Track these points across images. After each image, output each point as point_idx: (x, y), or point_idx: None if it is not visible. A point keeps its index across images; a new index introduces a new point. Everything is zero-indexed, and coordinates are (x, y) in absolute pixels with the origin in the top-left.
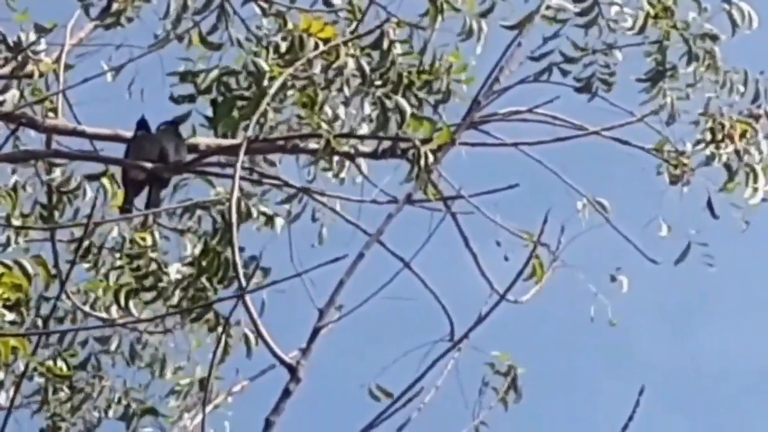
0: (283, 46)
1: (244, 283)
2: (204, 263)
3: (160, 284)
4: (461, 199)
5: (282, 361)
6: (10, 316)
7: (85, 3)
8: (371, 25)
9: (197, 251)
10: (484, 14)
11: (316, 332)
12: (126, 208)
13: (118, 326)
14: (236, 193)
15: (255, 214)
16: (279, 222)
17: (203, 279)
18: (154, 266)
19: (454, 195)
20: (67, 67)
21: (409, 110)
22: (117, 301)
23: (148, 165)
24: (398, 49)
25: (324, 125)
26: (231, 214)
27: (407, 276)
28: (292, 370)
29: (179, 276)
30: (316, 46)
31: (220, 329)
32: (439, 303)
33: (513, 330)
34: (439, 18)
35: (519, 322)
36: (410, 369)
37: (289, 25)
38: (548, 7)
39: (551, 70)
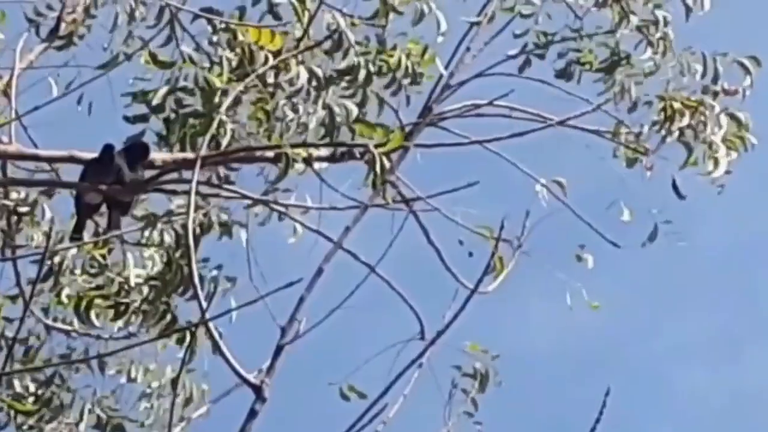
0: (234, 61)
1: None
2: (168, 277)
3: (124, 299)
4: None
5: (247, 382)
6: None
7: (35, 23)
8: (322, 27)
9: (160, 265)
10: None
11: (279, 350)
12: (76, 237)
13: (88, 337)
14: (192, 216)
15: (216, 225)
16: (242, 235)
17: (167, 293)
18: (116, 282)
19: (414, 197)
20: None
21: (355, 111)
22: (78, 315)
23: (103, 187)
24: (357, 48)
25: (277, 135)
26: (189, 237)
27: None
28: (257, 390)
29: (142, 288)
30: (267, 59)
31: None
32: (407, 304)
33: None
34: (389, 16)
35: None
36: (383, 369)
37: (240, 39)
38: None
39: (530, 61)
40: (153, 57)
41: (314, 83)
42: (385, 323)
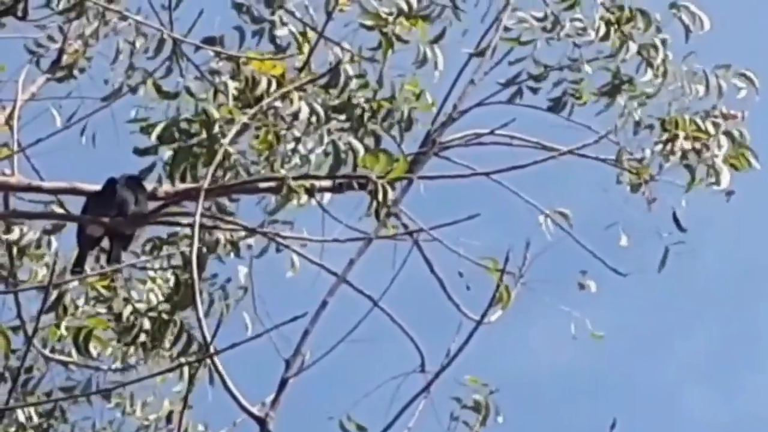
0: (237, 89)
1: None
2: (177, 297)
3: (134, 322)
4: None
5: (251, 415)
6: None
7: (36, 55)
8: (323, 60)
9: (169, 287)
10: (435, 41)
11: (283, 383)
12: (77, 270)
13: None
14: (195, 250)
15: (223, 241)
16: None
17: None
18: (126, 305)
19: (417, 229)
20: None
21: (362, 150)
22: (77, 346)
23: (106, 220)
24: (354, 83)
25: (279, 166)
26: (192, 270)
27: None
28: (262, 423)
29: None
30: (269, 85)
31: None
32: (408, 337)
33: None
34: (391, 51)
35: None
36: (384, 401)
37: (243, 68)
38: (507, 29)
39: (522, 92)
40: (157, 87)
41: (314, 118)
42: (388, 355)
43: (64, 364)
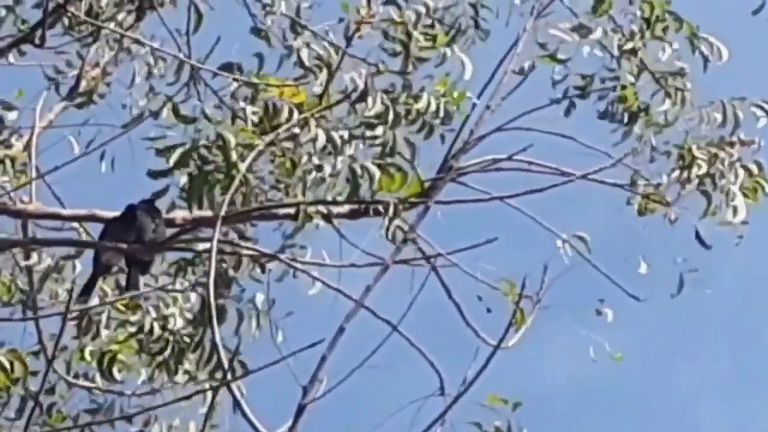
0: (257, 115)
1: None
2: (204, 315)
3: (162, 336)
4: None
5: None
6: None
7: (54, 81)
8: (343, 86)
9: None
10: (452, 41)
11: (301, 410)
12: (82, 299)
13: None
14: (213, 277)
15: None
16: (260, 297)
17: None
18: (154, 321)
19: (434, 254)
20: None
21: (378, 174)
22: (101, 370)
23: (124, 246)
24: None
25: (298, 192)
26: (209, 296)
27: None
28: None
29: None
30: (290, 112)
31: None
32: (427, 360)
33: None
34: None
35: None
36: (404, 426)
37: (262, 93)
38: (542, 46)
39: (574, 104)
40: (176, 111)
41: (331, 145)
42: (406, 379)
43: (88, 389)
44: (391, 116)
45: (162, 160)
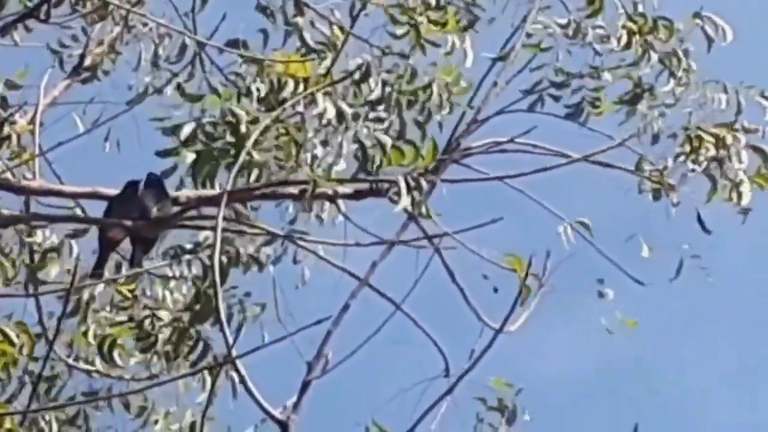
0: (263, 90)
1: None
2: (197, 308)
3: (153, 331)
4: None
5: (273, 418)
6: None
7: (58, 55)
8: (350, 61)
9: (189, 296)
10: (465, 29)
11: (305, 386)
12: (97, 273)
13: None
14: (218, 254)
15: (244, 257)
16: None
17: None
18: (146, 313)
19: (440, 233)
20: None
21: (390, 143)
22: (101, 353)
23: (128, 223)
24: (388, 76)
25: (306, 168)
26: (215, 274)
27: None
28: (284, 426)
29: (170, 320)
30: (296, 86)
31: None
32: (432, 341)
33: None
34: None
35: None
36: (408, 406)
37: (268, 70)
38: (529, 35)
39: (543, 99)
40: (181, 90)
41: (339, 119)
42: (409, 358)
43: (87, 372)
44: (393, 102)
45: (167, 139)
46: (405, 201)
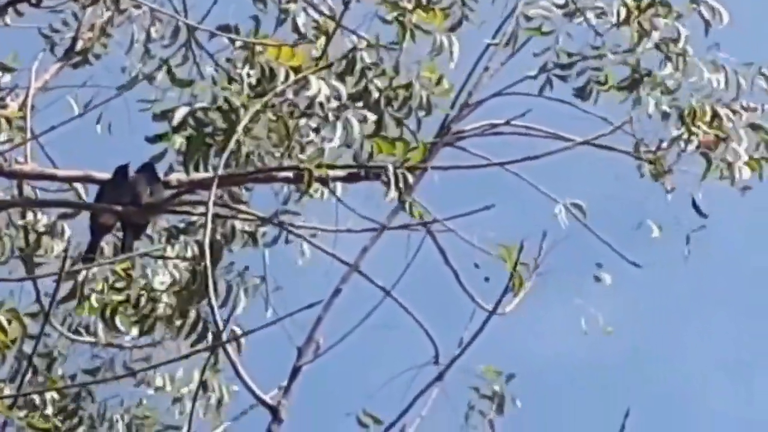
0: (254, 78)
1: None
2: (193, 287)
3: (150, 310)
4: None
5: (263, 403)
6: None
7: (50, 41)
8: (341, 49)
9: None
10: (453, 29)
11: (296, 371)
12: (89, 257)
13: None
14: (208, 239)
15: (239, 232)
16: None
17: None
18: (141, 293)
19: (430, 220)
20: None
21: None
22: (103, 319)
23: (119, 208)
24: (371, 72)
25: (297, 152)
26: (206, 259)
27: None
28: (274, 411)
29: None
30: (287, 75)
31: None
32: (422, 328)
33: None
34: (408, 40)
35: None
36: (398, 392)
37: (259, 57)
38: (528, 18)
39: (551, 81)
40: (172, 76)
41: (334, 102)
42: (400, 344)
43: (90, 344)
44: (374, 97)
45: (157, 124)
46: (392, 194)
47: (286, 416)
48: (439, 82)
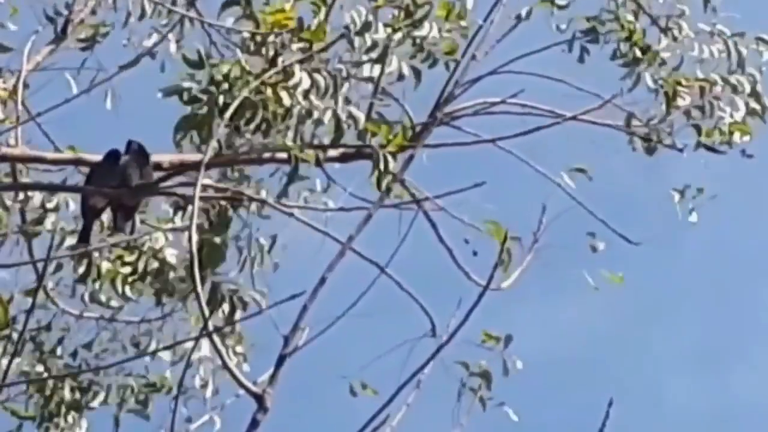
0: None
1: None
2: (202, 256)
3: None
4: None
5: (249, 391)
6: None
7: (53, 21)
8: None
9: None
10: None
11: (282, 359)
12: (82, 242)
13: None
14: (195, 222)
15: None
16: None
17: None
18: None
19: (422, 197)
20: (26, 86)
21: (363, 118)
22: (114, 288)
23: (108, 190)
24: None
25: (290, 134)
26: (191, 241)
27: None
28: (260, 399)
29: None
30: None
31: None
32: (417, 303)
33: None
34: None
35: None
36: (391, 369)
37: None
38: None
39: (587, 49)
40: (185, 58)
41: (316, 90)
42: (394, 326)
43: (96, 319)
44: (393, 43)
45: (156, 103)
46: (376, 175)
47: (273, 404)
48: (448, 15)
